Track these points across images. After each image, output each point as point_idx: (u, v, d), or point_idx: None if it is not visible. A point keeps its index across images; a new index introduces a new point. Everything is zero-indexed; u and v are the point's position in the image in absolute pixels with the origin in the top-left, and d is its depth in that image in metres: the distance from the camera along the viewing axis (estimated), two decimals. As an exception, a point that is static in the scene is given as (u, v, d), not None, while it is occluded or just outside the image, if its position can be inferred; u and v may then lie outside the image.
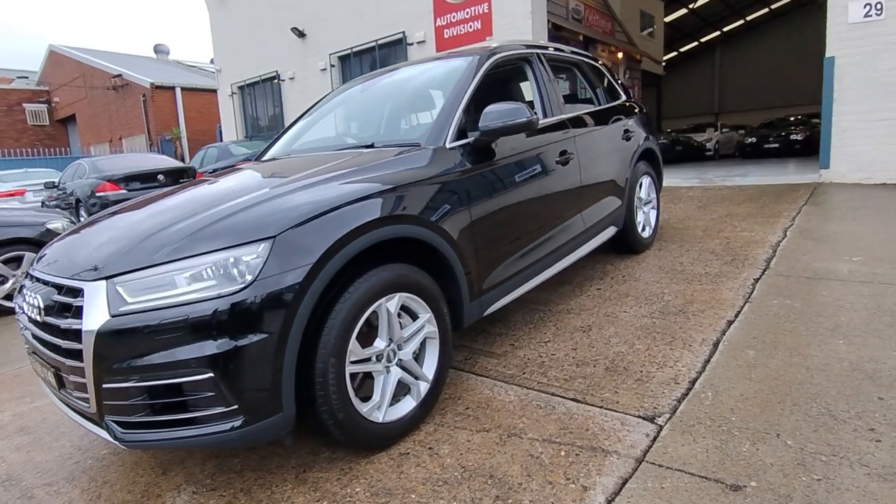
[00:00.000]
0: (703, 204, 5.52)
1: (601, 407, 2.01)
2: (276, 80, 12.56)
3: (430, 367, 2.04)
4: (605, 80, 3.79)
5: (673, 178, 8.30)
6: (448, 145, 2.24)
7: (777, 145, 14.57)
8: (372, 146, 2.35)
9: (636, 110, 3.94)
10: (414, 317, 1.99)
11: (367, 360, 1.82)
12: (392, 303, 1.85)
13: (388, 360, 1.89)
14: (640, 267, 3.64)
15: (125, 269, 1.55)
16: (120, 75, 20.80)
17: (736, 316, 2.68)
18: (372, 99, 2.97)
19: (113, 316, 1.49)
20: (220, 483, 1.82)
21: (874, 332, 2.34)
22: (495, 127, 2.26)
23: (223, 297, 1.48)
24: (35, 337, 1.77)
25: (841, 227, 4.10)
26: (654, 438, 1.78)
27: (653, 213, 4.08)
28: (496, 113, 2.28)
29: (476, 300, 2.28)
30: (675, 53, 27.86)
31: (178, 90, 20.25)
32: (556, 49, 3.36)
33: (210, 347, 1.46)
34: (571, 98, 3.80)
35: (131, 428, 1.55)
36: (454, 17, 8.53)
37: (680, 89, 28.72)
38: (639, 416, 1.92)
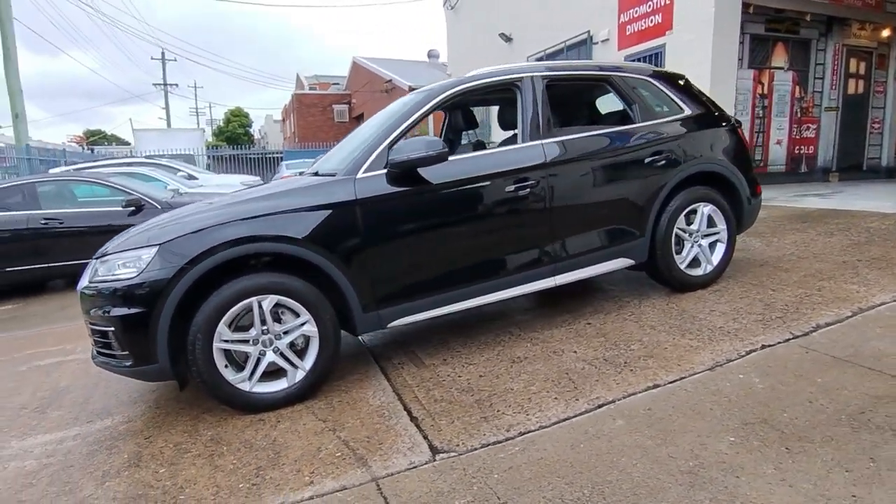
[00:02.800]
0: (866, 240, 4.13)
1: (420, 429, 2.15)
2: (488, 82, 13.57)
3: (309, 360, 2.49)
4: (656, 94, 3.33)
5: (872, 200, 6.03)
6: (359, 175, 2.58)
7: None
8: (316, 174, 2.85)
9: (701, 126, 3.34)
10: (297, 315, 2.46)
11: (246, 341, 2.39)
12: (265, 302, 2.37)
13: (264, 346, 2.42)
14: (660, 308, 3.18)
15: (103, 253, 2.47)
16: (390, 80, 25.07)
17: (671, 382, 2.30)
18: (365, 127, 3.40)
19: (90, 282, 2.43)
20: (169, 403, 2.65)
21: (796, 443, 1.78)
22: (401, 160, 2.51)
23: (125, 279, 2.26)
24: None
25: None
26: (412, 468, 1.90)
27: (718, 248, 3.41)
28: (405, 146, 2.52)
29: (373, 312, 2.59)
30: None
31: (429, 91, 23.30)
32: (565, 69, 3.18)
33: (113, 311, 2.26)
34: (607, 117, 3.46)
35: (98, 355, 2.49)
36: (636, 12, 7.89)
37: None
38: (431, 447, 2.02)
